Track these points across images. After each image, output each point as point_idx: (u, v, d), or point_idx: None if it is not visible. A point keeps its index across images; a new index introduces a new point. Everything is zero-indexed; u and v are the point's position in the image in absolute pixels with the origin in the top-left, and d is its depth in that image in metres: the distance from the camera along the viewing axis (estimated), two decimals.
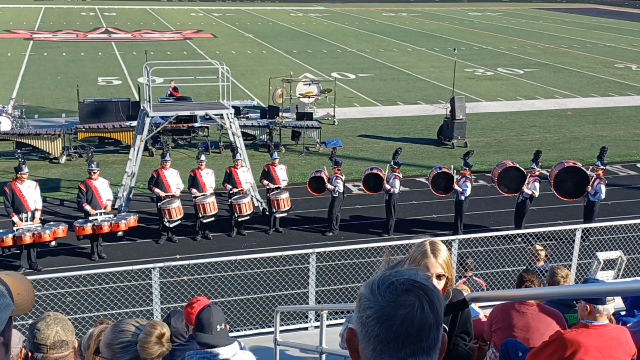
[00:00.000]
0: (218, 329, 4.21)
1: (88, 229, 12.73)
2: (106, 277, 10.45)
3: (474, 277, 9.70)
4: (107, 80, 30.41)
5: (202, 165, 14.37)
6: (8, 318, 1.53)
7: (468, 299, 3.22)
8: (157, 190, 13.93)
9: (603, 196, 13.95)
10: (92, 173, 13.17)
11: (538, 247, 9.76)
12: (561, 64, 37.39)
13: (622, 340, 4.35)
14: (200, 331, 4.22)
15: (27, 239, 12.12)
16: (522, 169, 14.50)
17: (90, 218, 12.88)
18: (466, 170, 14.32)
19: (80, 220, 12.95)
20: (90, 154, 14.03)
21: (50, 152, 18.77)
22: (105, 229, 12.87)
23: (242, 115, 21.45)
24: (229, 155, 16.73)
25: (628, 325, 5.09)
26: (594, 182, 13.92)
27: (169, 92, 22.91)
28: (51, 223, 12.90)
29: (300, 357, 8.96)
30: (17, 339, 4.03)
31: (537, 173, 14.29)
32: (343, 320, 8.51)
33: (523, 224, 14.14)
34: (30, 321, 9.42)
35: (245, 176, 14.77)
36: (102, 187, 13.23)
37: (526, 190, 14.16)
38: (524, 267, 9.54)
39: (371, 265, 11.47)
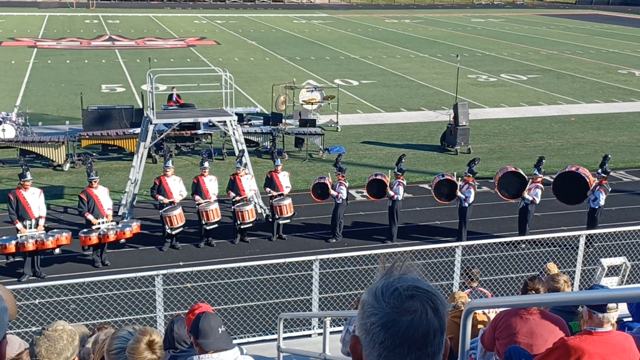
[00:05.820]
0: (219, 332, 4.23)
1: (94, 238, 12.70)
2: (109, 284, 10.46)
3: (480, 288, 9.56)
4: (111, 88, 30.49)
5: (205, 172, 14.38)
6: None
7: (471, 306, 3.21)
8: (160, 197, 13.95)
9: (602, 203, 13.88)
10: (93, 182, 13.20)
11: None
12: (564, 70, 37.37)
13: (626, 347, 4.34)
14: (205, 338, 4.20)
15: (30, 246, 12.13)
16: (524, 175, 14.49)
17: (94, 227, 12.89)
18: (470, 177, 14.31)
19: (85, 230, 12.91)
20: (89, 164, 14.01)
21: (54, 160, 18.81)
22: (112, 237, 12.87)
23: (245, 122, 21.48)
24: (232, 162, 16.75)
25: (632, 330, 5.07)
26: (594, 188, 13.91)
27: (174, 98, 22.91)
28: (55, 230, 12.90)
29: None
30: (18, 345, 4.03)
31: (539, 179, 14.26)
32: None
33: (527, 230, 14.13)
34: (34, 328, 9.38)
35: (249, 183, 14.78)
36: (102, 196, 13.25)
37: (527, 196, 14.13)
38: (531, 274, 9.46)
39: (374, 272, 11.46)
